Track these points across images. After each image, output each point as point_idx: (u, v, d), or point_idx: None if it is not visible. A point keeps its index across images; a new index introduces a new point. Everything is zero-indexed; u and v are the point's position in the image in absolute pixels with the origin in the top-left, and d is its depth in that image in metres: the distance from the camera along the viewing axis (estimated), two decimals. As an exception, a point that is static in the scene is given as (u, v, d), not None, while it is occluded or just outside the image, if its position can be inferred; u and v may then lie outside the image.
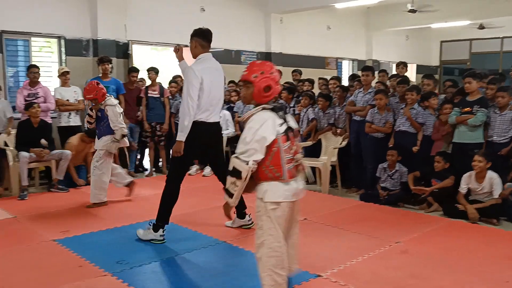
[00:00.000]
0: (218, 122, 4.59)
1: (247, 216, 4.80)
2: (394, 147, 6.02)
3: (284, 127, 2.73)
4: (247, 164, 2.60)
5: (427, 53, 16.56)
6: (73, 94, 7.19)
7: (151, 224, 4.41)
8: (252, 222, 4.70)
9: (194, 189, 6.63)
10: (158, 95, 7.66)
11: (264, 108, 2.73)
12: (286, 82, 8.40)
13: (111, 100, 5.63)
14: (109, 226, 4.86)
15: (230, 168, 2.66)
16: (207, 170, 7.61)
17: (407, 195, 5.87)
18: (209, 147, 4.55)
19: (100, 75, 7.30)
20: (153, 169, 7.90)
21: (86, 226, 4.86)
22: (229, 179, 2.68)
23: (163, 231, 4.38)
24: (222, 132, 4.76)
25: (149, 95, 7.62)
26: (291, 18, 11.71)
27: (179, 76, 8.35)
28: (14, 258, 4.03)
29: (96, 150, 5.71)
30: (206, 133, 4.37)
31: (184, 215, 5.11)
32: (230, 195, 2.70)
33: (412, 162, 5.96)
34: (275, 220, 2.71)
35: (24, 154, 6.13)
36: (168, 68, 9.21)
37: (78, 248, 4.19)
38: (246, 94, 2.78)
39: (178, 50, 4.59)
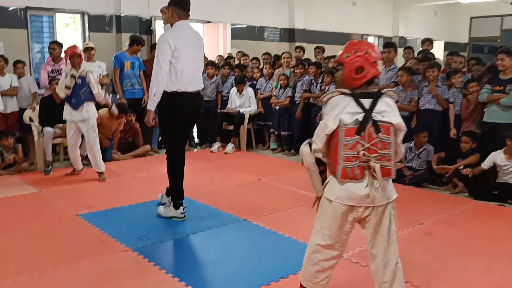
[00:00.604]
0: (199, 91, 4.39)
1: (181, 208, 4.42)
2: (421, 127, 5.86)
3: (358, 117, 2.36)
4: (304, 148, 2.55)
5: (456, 29, 16.07)
6: (97, 69, 7.20)
7: (171, 202, 4.42)
8: (184, 217, 4.39)
9: (217, 166, 6.64)
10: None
11: (343, 93, 2.42)
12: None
13: (90, 65, 5.96)
14: (131, 202, 4.89)
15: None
16: (229, 147, 7.60)
17: (432, 175, 5.75)
18: (193, 116, 4.44)
19: (125, 50, 7.30)
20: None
21: (109, 201, 4.91)
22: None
23: (183, 209, 4.38)
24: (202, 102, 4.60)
25: (171, 71, 7.58)
26: (315, -7, 11.49)
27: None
28: (39, 231, 4.09)
29: (87, 120, 5.68)
30: (189, 103, 4.24)
31: (206, 193, 5.12)
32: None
33: (438, 142, 5.81)
34: (323, 215, 2.54)
35: (48, 129, 6.19)
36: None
37: (100, 223, 4.23)
38: (339, 76, 2.52)
39: (165, 12, 4.25)
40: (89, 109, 5.71)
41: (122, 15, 8.13)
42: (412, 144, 5.87)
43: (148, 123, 4.30)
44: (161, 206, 4.53)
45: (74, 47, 5.63)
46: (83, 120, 5.68)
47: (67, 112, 5.71)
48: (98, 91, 5.73)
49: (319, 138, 2.45)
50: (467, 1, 13.69)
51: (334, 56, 8.16)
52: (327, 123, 2.39)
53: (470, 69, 6.61)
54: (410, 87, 6.01)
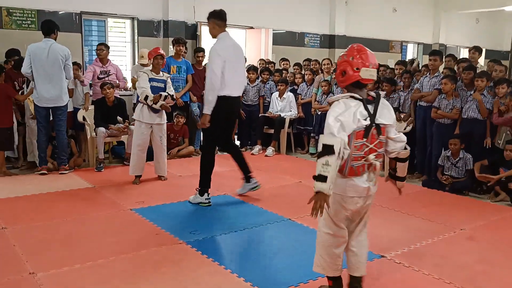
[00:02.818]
0: (239, 96, 5.18)
1: (253, 179, 5.23)
2: (460, 135, 5.91)
3: (367, 122, 2.61)
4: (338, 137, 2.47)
5: (498, 37, 15.77)
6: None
7: (197, 190, 4.97)
8: (258, 184, 5.24)
9: (258, 168, 6.82)
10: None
11: (352, 97, 2.65)
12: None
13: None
14: (180, 199, 5.15)
15: (320, 148, 2.49)
16: (270, 150, 7.79)
17: (473, 183, 5.78)
18: (232, 118, 5.20)
19: (173, 54, 7.58)
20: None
21: (159, 197, 5.19)
22: (320, 161, 2.47)
23: (208, 195, 4.95)
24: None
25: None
26: (356, 0, 11.56)
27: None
28: (98, 222, 4.40)
29: (162, 124, 5.80)
30: (230, 106, 4.88)
31: (251, 193, 5.31)
32: (323, 179, 2.45)
33: (480, 150, 5.85)
34: (331, 210, 2.72)
35: (101, 129, 6.50)
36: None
37: (153, 217, 4.50)
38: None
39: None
40: (163, 113, 5.82)
41: (169, 20, 8.46)
42: (449, 153, 5.92)
43: (204, 125, 4.78)
44: (191, 195, 5.04)
45: (158, 48, 5.84)
46: (159, 124, 5.77)
47: (145, 114, 5.64)
48: (174, 94, 5.98)
49: (345, 130, 2.53)
50: (511, 9, 13.46)
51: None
52: (346, 122, 2.54)
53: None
54: (453, 95, 6.07)
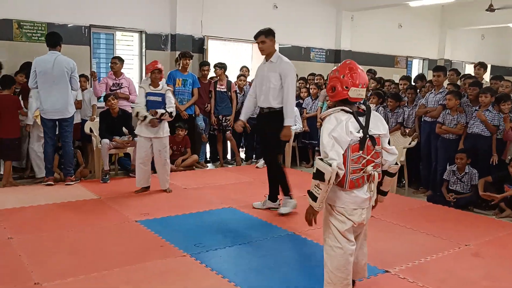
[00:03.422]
0: None
1: (278, 201, 5.28)
2: (465, 150, 5.92)
3: (360, 134, 2.68)
4: (331, 166, 2.56)
5: (503, 53, 15.84)
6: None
7: (284, 198, 5.18)
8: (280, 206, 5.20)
9: (263, 181, 6.82)
10: (225, 90, 7.94)
11: (343, 110, 2.73)
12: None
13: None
14: (185, 211, 5.17)
15: (314, 170, 2.64)
16: (261, 162, 7.84)
17: (478, 199, 5.77)
18: None
19: (179, 68, 7.64)
20: (223, 160, 8.22)
21: (164, 210, 5.20)
22: (313, 182, 2.65)
23: (280, 201, 5.24)
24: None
25: (217, 89, 7.92)
26: (362, 15, 11.66)
27: (245, 67, 8.62)
28: (103, 233, 4.43)
29: (161, 138, 5.76)
30: None
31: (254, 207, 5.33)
32: (314, 198, 2.67)
33: (485, 166, 5.85)
34: (337, 222, 2.81)
35: (105, 141, 6.55)
36: (240, 61, 9.50)
37: (158, 229, 4.52)
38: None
39: (265, 42, 5.02)
40: (164, 126, 5.78)
41: (177, 34, 8.56)
42: (455, 168, 5.92)
43: (287, 137, 5.06)
44: (281, 208, 5.18)
45: (156, 62, 5.78)
46: (158, 138, 5.74)
47: (144, 128, 5.69)
48: (173, 110, 5.83)
49: (336, 153, 2.61)
50: (516, 25, 13.52)
51: (378, 78, 8.32)
52: (340, 136, 2.63)
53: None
54: (457, 111, 6.09)
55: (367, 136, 2.70)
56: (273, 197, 5.31)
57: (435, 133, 6.30)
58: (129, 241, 4.25)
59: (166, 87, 5.91)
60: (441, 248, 4.27)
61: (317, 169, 2.62)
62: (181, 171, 7.33)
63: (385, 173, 2.92)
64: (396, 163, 2.93)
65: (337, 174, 2.61)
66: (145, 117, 5.61)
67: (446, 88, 6.60)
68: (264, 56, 5.10)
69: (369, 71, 9.12)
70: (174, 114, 5.83)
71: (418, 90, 7.22)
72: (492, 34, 15.05)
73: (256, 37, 5.03)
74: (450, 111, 6.11)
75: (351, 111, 2.72)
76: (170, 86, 7.38)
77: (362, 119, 2.73)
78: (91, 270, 3.54)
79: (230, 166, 8.19)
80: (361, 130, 2.69)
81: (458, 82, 7.23)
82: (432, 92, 6.56)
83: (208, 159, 8.48)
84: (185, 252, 3.96)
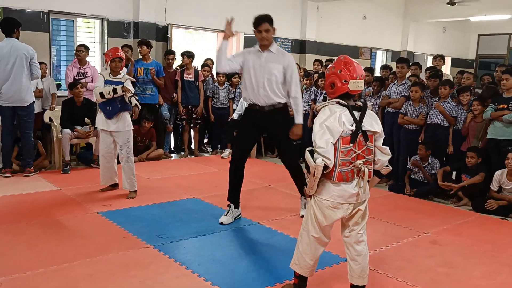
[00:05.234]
0: None
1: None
2: (426, 141, 6.08)
3: (352, 127, 2.71)
4: (315, 162, 2.63)
5: (463, 46, 16.31)
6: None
7: (302, 198, 4.81)
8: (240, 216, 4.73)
9: (228, 171, 6.82)
10: (193, 79, 7.84)
11: (338, 103, 2.77)
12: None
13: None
14: (148, 202, 5.11)
15: (306, 155, 2.70)
16: (226, 152, 7.96)
17: (437, 188, 5.94)
18: None
19: (141, 57, 7.51)
20: (187, 151, 8.15)
21: (127, 201, 5.13)
22: (305, 170, 2.78)
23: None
24: None
25: (184, 78, 7.80)
26: (327, 6, 11.74)
27: (209, 59, 8.54)
28: (63, 226, 4.32)
29: (122, 132, 5.18)
30: None
31: (219, 196, 5.30)
32: (306, 184, 2.80)
33: (444, 156, 6.02)
34: (319, 214, 2.84)
35: (66, 131, 6.39)
36: (206, 52, 9.41)
37: (120, 221, 4.45)
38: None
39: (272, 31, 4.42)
40: (126, 119, 5.22)
41: (140, 21, 8.39)
42: (418, 158, 6.07)
43: (298, 136, 4.57)
44: (301, 211, 4.83)
45: (117, 49, 5.23)
46: (118, 132, 5.18)
47: (100, 121, 5.20)
48: (138, 104, 5.17)
49: (325, 141, 2.65)
50: (476, 19, 13.91)
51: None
52: (332, 125, 2.66)
53: (484, 85, 6.79)
54: (419, 102, 6.23)
55: (360, 131, 2.73)
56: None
57: (397, 124, 6.42)
58: (91, 233, 4.16)
59: (126, 76, 5.30)
60: (401, 236, 4.38)
61: (306, 157, 2.69)
62: (145, 161, 7.23)
63: (375, 173, 2.94)
64: (387, 165, 2.95)
65: (326, 166, 2.66)
66: (114, 89, 5.02)
67: (408, 79, 6.73)
68: (259, 45, 4.46)
69: (316, 60, 9.17)
70: (139, 107, 5.20)
71: (384, 81, 7.29)
72: (453, 27, 15.45)
73: (257, 24, 4.32)
74: (413, 102, 6.24)
75: (346, 104, 2.75)
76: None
77: (357, 114, 2.76)
78: (50, 263, 3.46)
79: (205, 155, 8.20)
80: (354, 124, 2.72)
81: (424, 75, 7.39)
82: (395, 84, 6.68)
83: (172, 149, 8.40)
84: (148, 243, 3.92)
